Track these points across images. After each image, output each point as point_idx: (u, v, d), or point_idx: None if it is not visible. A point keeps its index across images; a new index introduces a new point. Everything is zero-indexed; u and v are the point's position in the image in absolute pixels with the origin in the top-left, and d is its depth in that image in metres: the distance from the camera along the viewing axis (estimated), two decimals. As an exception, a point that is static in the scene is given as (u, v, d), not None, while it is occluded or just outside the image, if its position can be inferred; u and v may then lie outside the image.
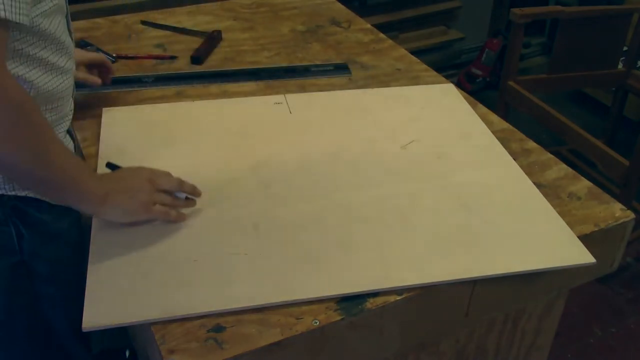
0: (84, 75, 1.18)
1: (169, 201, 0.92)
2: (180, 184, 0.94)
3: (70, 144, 0.97)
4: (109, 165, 0.99)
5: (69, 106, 0.97)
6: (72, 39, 0.95)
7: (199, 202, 0.98)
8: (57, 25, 0.87)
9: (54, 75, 0.88)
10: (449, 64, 3.07)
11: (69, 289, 0.98)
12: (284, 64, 1.43)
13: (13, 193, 0.86)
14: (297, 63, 1.44)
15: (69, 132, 0.98)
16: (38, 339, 1.03)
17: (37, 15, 0.81)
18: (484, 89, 3.05)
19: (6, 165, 0.76)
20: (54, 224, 0.93)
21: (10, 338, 1.00)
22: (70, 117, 0.98)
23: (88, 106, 1.23)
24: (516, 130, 1.22)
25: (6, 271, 0.92)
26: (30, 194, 0.88)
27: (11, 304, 0.96)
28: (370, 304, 0.82)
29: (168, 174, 0.94)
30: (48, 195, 0.87)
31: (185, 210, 0.95)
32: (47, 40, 0.85)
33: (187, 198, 0.95)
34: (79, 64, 1.17)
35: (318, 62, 1.45)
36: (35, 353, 1.05)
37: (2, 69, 0.72)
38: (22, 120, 0.73)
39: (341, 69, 1.42)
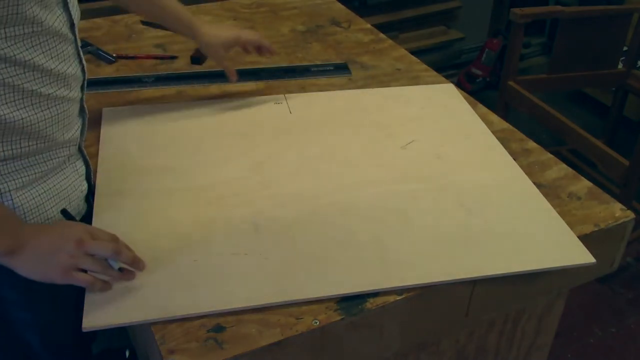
0: (227, 64, 1.21)
1: (96, 268, 0.80)
2: (117, 252, 0.80)
3: (81, 168, 0.95)
4: (64, 212, 0.91)
5: (73, 132, 0.91)
6: (80, 64, 0.90)
7: (198, 201, 0.98)
8: (40, 52, 0.80)
9: (33, 103, 0.81)
10: (449, 64, 3.07)
11: (42, 315, 0.95)
12: (284, 64, 1.43)
13: None
14: (297, 63, 1.44)
15: (80, 151, 0.95)
16: (15, 355, 1.01)
17: None
18: (484, 89, 3.05)
19: None
20: None
21: None
22: (78, 140, 0.93)
23: (88, 106, 1.23)
24: (516, 130, 1.22)
25: None
26: None
27: None
28: (370, 304, 0.82)
29: (108, 238, 0.82)
30: None
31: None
32: (23, 67, 0.78)
33: (122, 269, 0.83)
34: (229, 47, 1.20)
35: (318, 62, 1.45)
36: None
37: None
38: None
39: (341, 69, 1.42)
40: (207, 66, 1.42)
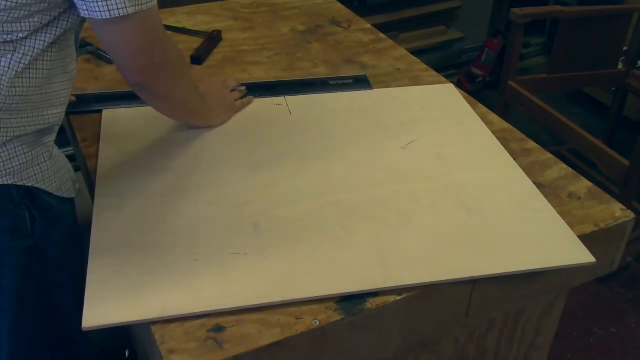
0: None
1: (239, 96, 1.24)
2: (238, 81, 1.28)
3: (62, 157, 0.99)
4: None
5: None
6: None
7: (198, 201, 0.98)
8: (72, 31, 0.90)
9: (64, 80, 0.91)
10: (449, 64, 3.07)
11: (77, 274, 0.99)
12: (301, 77, 1.37)
13: (22, 183, 0.89)
14: (297, 64, 1.44)
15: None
16: (47, 327, 1.04)
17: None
18: (484, 89, 3.05)
19: (171, 96, 0.99)
20: (58, 208, 0.96)
21: (20, 323, 1.01)
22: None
23: (88, 106, 1.23)
24: (516, 130, 1.22)
25: (21, 255, 0.93)
26: (37, 185, 0.90)
27: (23, 289, 0.96)
28: (370, 304, 0.82)
29: (227, 78, 1.27)
30: (187, 118, 1.14)
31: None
32: (70, 45, 0.90)
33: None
34: None
35: (338, 75, 1.38)
36: (43, 341, 1.05)
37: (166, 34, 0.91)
38: (184, 67, 1.00)
39: (361, 82, 1.35)
40: (207, 66, 1.42)
